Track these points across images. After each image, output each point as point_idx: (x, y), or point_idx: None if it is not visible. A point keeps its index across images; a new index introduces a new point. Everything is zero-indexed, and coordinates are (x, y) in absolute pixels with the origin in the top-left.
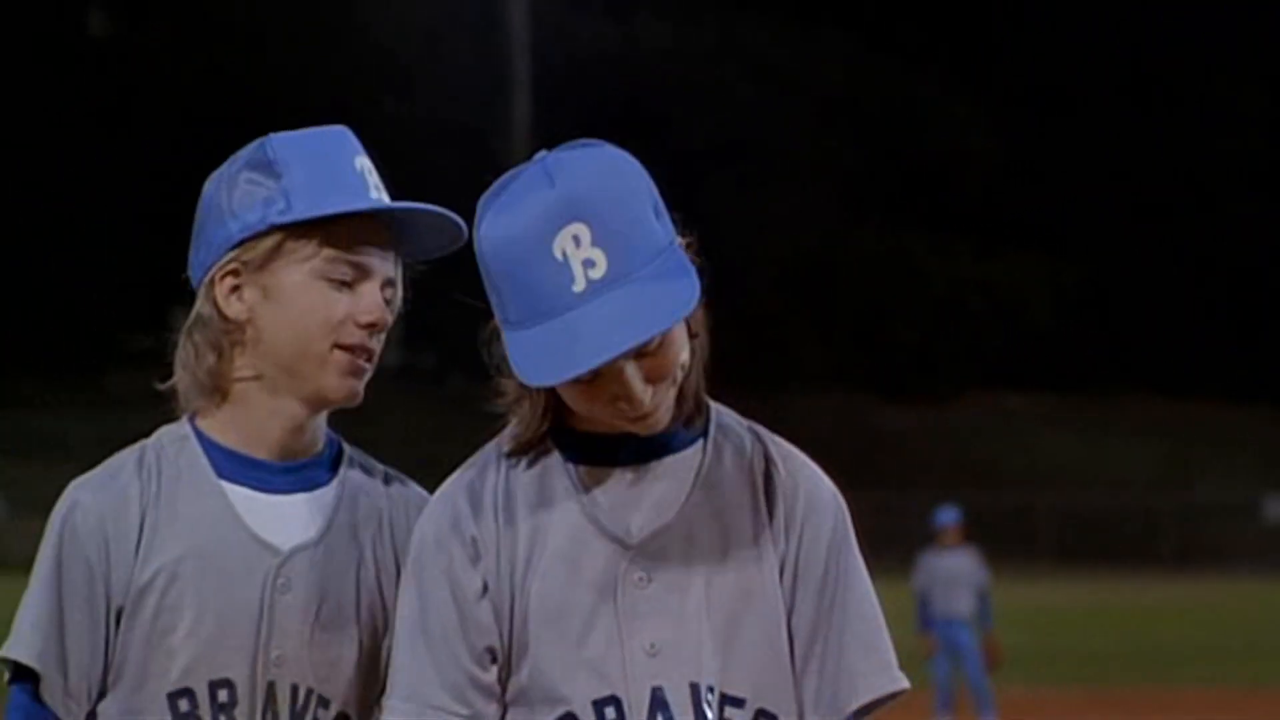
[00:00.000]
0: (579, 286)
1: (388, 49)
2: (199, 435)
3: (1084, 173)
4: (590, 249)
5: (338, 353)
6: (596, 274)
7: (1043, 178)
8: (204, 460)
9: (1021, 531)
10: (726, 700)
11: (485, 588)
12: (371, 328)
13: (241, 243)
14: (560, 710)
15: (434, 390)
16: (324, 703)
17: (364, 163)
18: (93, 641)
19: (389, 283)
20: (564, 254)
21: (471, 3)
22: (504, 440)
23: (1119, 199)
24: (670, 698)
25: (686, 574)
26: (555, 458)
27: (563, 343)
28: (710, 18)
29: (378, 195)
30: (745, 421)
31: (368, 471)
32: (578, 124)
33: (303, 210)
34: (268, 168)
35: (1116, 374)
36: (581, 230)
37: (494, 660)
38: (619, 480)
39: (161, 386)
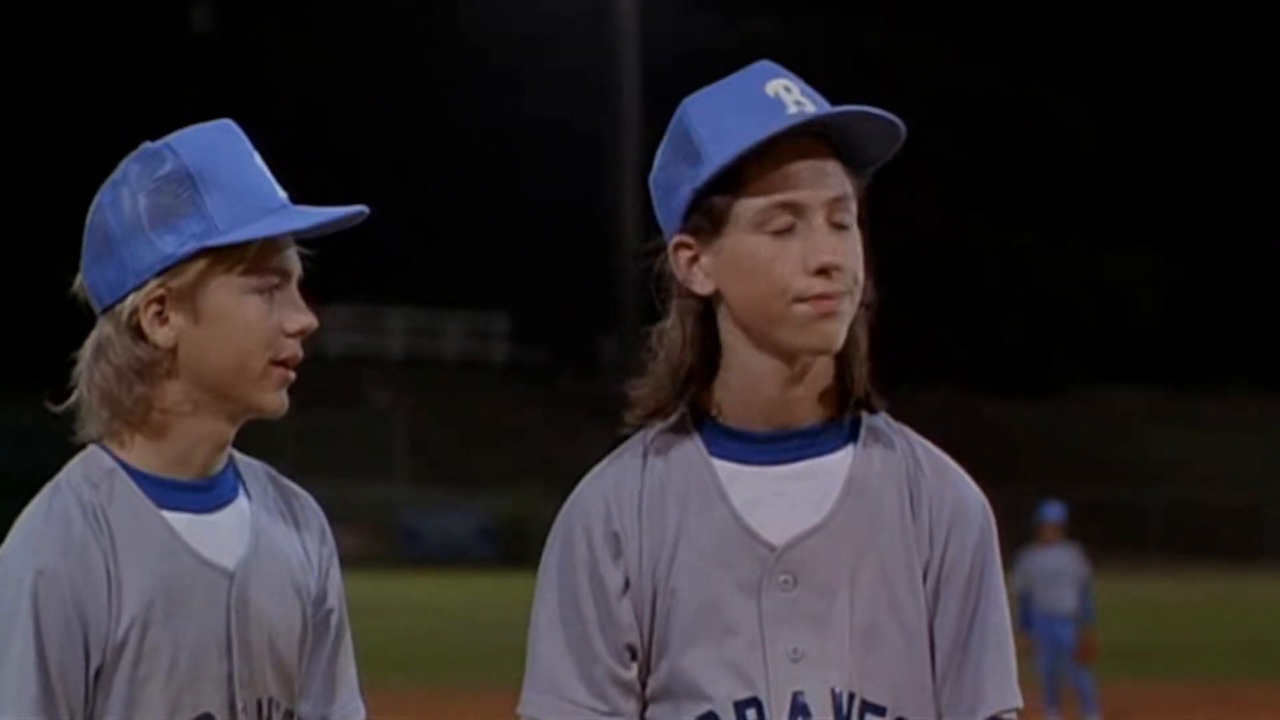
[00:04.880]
0: (791, 110)
1: (494, 47)
2: (124, 466)
3: (1192, 168)
4: (800, 96)
5: (274, 369)
6: (808, 109)
7: (1151, 173)
8: (139, 493)
9: (1129, 527)
10: (867, 708)
11: (627, 584)
12: (301, 335)
13: (166, 269)
14: (702, 709)
15: (544, 387)
16: (278, 707)
17: (259, 160)
18: (80, 709)
19: (299, 279)
20: (776, 94)
21: (579, 1)
22: (651, 430)
23: (1227, 194)
24: (811, 703)
25: (831, 579)
26: (702, 454)
27: (767, 127)
28: (817, 15)
29: (283, 197)
30: (896, 424)
31: (252, 470)
32: None
33: (233, 232)
34: (181, 181)
35: (1224, 369)
36: (790, 84)
37: (634, 657)
38: (766, 480)
39: (59, 409)
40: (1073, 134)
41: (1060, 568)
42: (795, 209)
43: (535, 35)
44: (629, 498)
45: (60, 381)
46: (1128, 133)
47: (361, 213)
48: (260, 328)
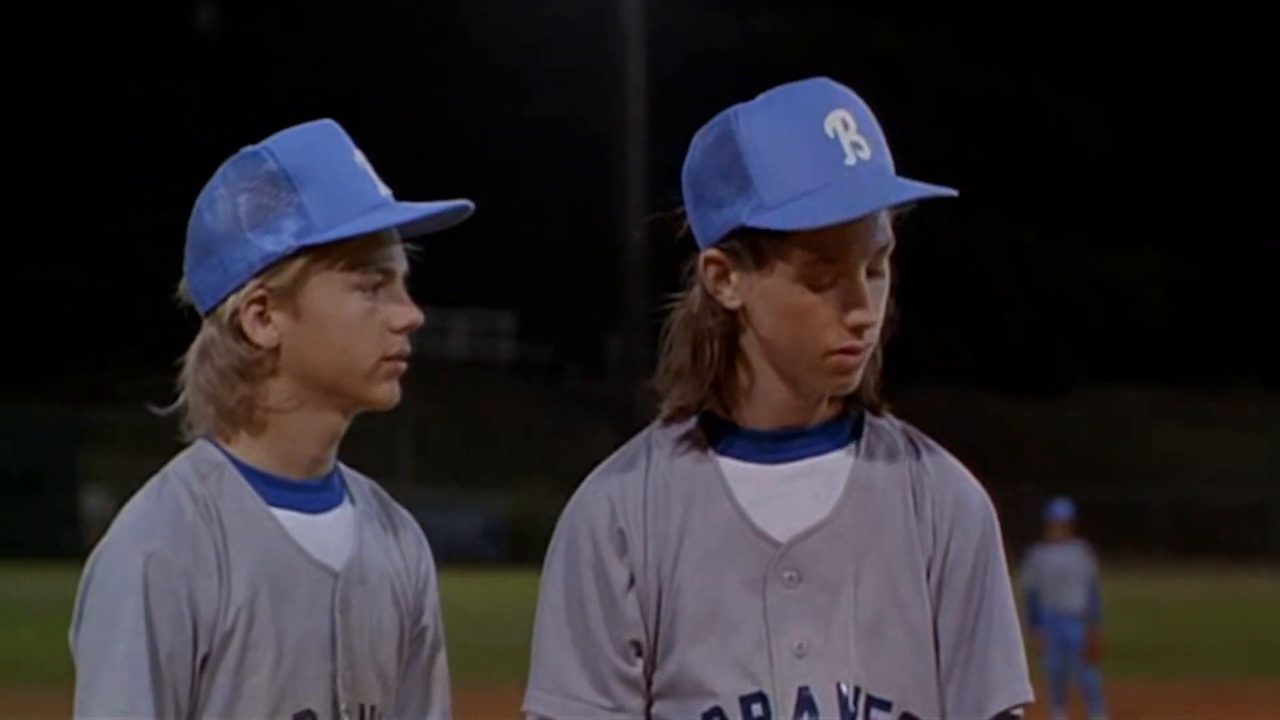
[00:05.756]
0: (850, 161)
1: (499, 47)
2: (233, 461)
3: (1196, 168)
4: (856, 135)
5: (383, 365)
6: (864, 155)
7: (1154, 173)
8: (248, 488)
9: (1134, 525)
10: (873, 703)
11: (632, 581)
12: (407, 330)
13: (266, 268)
14: (708, 705)
15: (550, 385)
16: (379, 717)
17: (361, 158)
18: (186, 696)
19: (404, 276)
20: (835, 132)
21: (584, 0)
22: (654, 428)
23: (1231, 194)
24: (817, 698)
25: (836, 575)
26: (707, 452)
27: (837, 199)
28: (824, 15)
29: (386, 193)
30: (899, 422)
31: (357, 482)
32: (694, 122)
33: (330, 230)
34: (278, 181)
35: (1229, 368)
36: (848, 116)
37: (639, 653)
38: (771, 478)
39: (164, 411)
40: (1077, 134)
41: (1068, 566)
42: (841, 265)
43: (540, 35)
44: (634, 495)
45: (58, 381)
46: (1132, 132)
47: (465, 207)
48: (364, 326)
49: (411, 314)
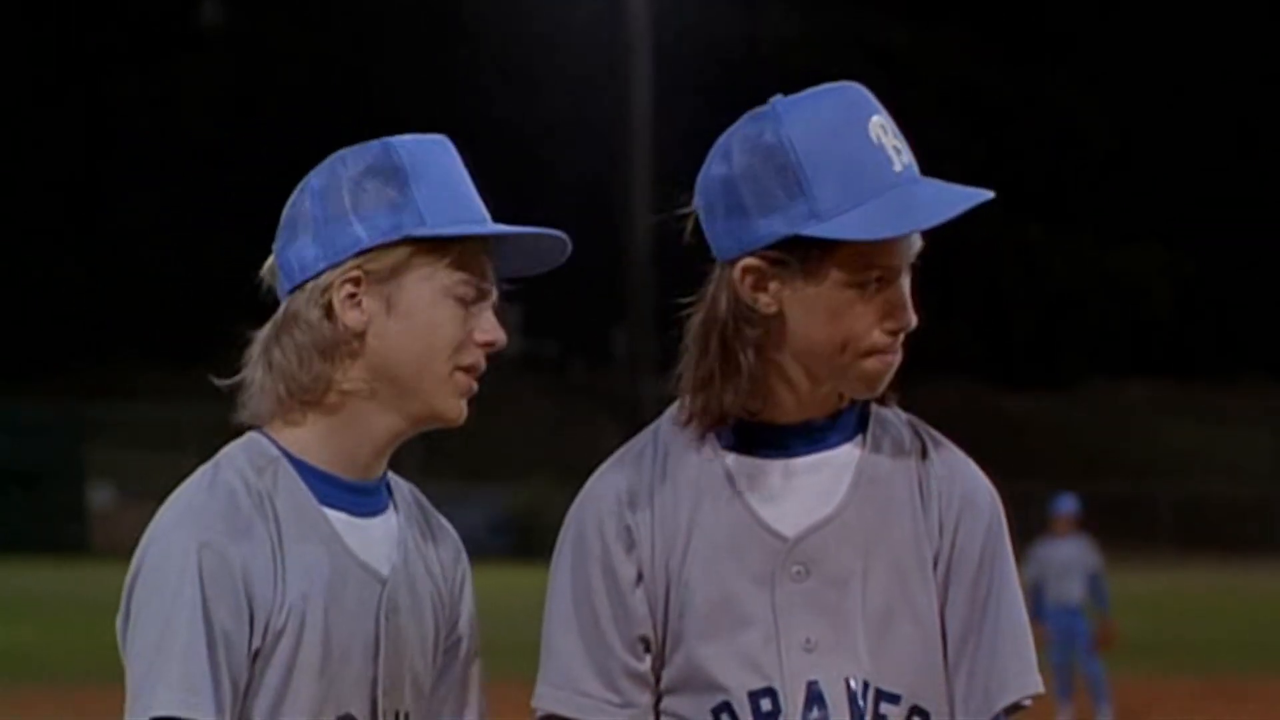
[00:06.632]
0: (897, 167)
1: (506, 42)
2: (287, 456)
3: (1202, 163)
4: (894, 139)
5: (458, 374)
6: (905, 160)
7: (1161, 168)
8: (303, 486)
9: (1140, 520)
10: (882, 696)
11: (640, 577)
12: (489, 347)
13: (368, 250)
14: (717, 699)
15: (555, 378)
16: None
17: (469, 179)
18: (241, 690)
19: (494, 305)
20: (878, 138)
21: None
22: (662, 422)
23: (1237, 189)
24: (826, 692)
25: (844, 569)
26: (714, 448)
27: (897, 210)
28: (831, 9)
29: (486, 215)
30: (904, 415)
31: (399, 488)
32: (699, 118)
33: (439, 225)
34: (394, 174)
35: (1235, 362)
36: (885, 121)
37: (647, 649)
38: (778, 473)
39: (224, 383)
40: (1082, 130)
41: (1072, 559)
42: (886, 271)
43: (547, 30)
44: (642, 491)
45: (60, 376)
46: (1137, 128)
47: (564, 244)
48: (451, 331)
49: (497, 333)
